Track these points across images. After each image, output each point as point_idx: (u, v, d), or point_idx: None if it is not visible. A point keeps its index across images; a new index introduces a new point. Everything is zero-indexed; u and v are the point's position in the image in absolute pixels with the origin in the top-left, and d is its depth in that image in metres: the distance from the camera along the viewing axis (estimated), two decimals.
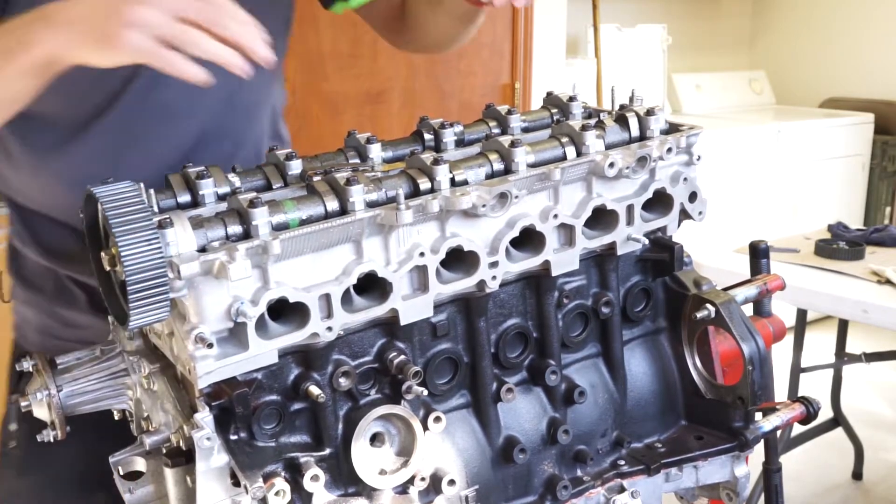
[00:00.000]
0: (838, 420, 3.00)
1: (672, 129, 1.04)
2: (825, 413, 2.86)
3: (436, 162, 0.89)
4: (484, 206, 0.88)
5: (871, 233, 2.69)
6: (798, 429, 2.77)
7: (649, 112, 1.02)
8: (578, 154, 0.97)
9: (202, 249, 0.78)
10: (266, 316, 0.82)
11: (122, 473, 0.94)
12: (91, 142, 1.10)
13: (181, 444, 0.86)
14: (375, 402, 0.89)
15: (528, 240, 0.95)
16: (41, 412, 0.93)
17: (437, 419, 0.90)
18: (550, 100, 1.14)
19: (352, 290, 0.86)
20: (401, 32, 1.40)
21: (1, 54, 0.84)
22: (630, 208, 1.01)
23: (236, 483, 0.82)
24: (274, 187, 0.94)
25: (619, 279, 1.04)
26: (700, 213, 1.07)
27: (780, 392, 1.83)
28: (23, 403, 0.92)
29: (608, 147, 1.00)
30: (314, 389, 0.84)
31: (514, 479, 0.98)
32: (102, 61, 0.83)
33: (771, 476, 1.63)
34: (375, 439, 0.89)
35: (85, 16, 0.82)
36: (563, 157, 0.97)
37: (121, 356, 0.97)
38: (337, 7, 1.32)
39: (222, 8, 0.83)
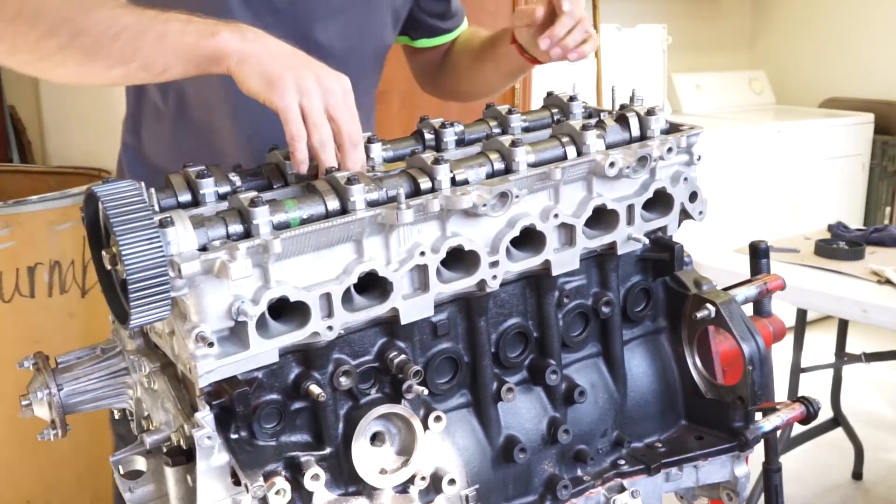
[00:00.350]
0: (838, 420, 2.99)
1: (672, 128, 1.04)
2: (825, 413, 2.86)
3: (436, 161, 0.89)
4: (484, 205, 0.88)
5: (871, 233, 2.69)
6: (798, 429, 2.77)
7: (650, 112, 1.02)
8: (579, 154, 0.97)
9: (203, 248, 0.78)
10: (267, 315, 0.82)
11: (122, 472, 0.95)
12: (216, 124, 1.25)
13: (182, 443, 0.86)
14: (376, 401, 0.89)
15: (529, 239, 0.95)
16: (41, 411, 0.93)
17: (438, 418, 0.90)
18: (551, 100, 1.14)
19: (352, 290, 0.86)
20: (439, 80, 1.51)
21: (180, 31, 0.95)
22: (630, 208, 1.01)
23: (237, 482, 0.82)
24: (274, 187, 0.94)
25: (619, 279, 1.04)
26: (700, 212, 1.07)
27: (780, 392, 1.83)
28: (23, 402, 0.93)
29: (609, 147, 1.00)
30: (315, 388, 0.84)
31: (514, 478, 0.98)
32: (250, 87, 0.93)
33: (771, 476, 1.63)
34: (376, 438, 0.89)
35: (271, 49, 0.95)
36: (564, 157, 0.97)
37: (121, 355, 0.97)
38: (402, 38, 1.47)
39: (357, 134, 0.95)
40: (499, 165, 0.93)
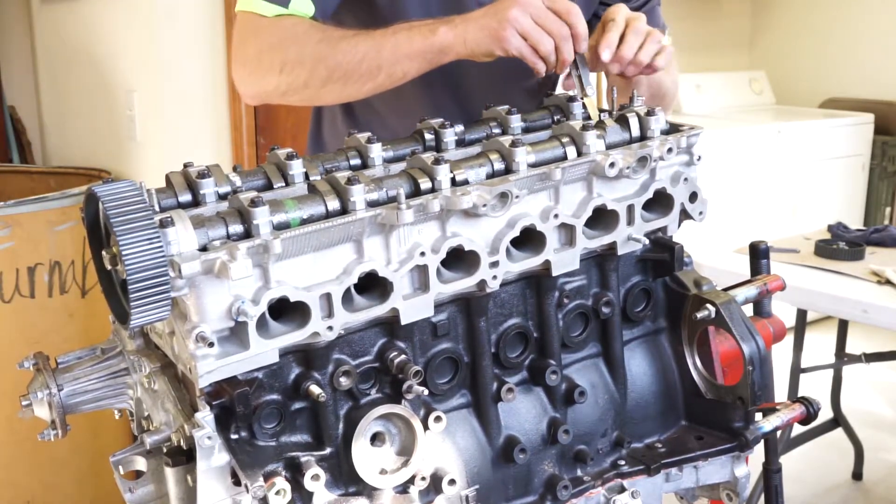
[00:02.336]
0: (838, 420, 2.99)
1: (672, 129, 1.04)
2: (825, 413, 2.86)
3: (436, 162, 0.89)
4: (484, 205, 0.88)
5: (871, 233, 2.69)
6: (798, 429, 2.76)
7: (650, 112, 1.02)
8: (579, 154, 0.97)
9: (203, 248, 0.78)
10: (267, 315, 0.82)
11: (122, 473, 0.95)
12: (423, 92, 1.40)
13: (182, 443, 0.86)
14: (376, 401, 0.89)
15: (529, 239, 0.95)
16: (42, 411, 0.93)
17: (438, 419, 0.90)
18: (551, 100, 1.14)
19: (352, 290, 0.86)
20: None
21: (408, 39, 1.13)
22: (630, 208, 1.01)
23: (237, 482, 0.82)
24: (275, 187, 0.94)
25: (619, 279, 1.05)
26: (700, 213, 1.07)
27: (780, 392, 1.83)
28: (23, 403, 0.93)
29: (609, 147, 1.00)
30: (315, 389, 0.84)
31: (514, 478, 0.98)
32: (485, 52, 1.11)
33: (771, 476, 1.63)
34: (376, 439, 0.89)
35: (480, 20, 1.12)
36: (564, 157, 0.97)
37: (121, 355, 0.97)
38: None
39: (563, 30, 1.11)
40: (499, 166, 0.93)
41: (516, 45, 1.09)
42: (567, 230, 0.97)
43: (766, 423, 1.06)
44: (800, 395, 1.13)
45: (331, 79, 1.17)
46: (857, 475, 3.05)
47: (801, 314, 2.78)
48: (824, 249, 2.57)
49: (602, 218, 1.00)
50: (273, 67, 1.20)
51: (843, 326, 2.89)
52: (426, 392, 0.90)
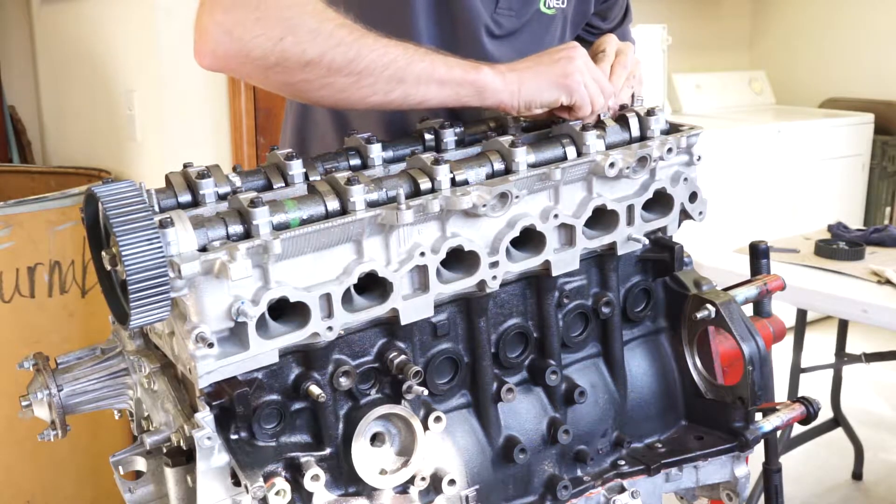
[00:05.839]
0: (838, 420, 2.99)
1: (672, 129, 1.04)
2: (825, 413, 2.85)
3: (436, 162, 0.89)
4: (484, 205, 0.88)
5: (871, 233, 2.69)
6: (798, 429, 2.76)
7: (649, 112, 1.02)
8: (579, 154, 0.97)
9: (203, 249, 0.78)
10: (266, 315, 0.82)
11: (122, 473, 0.95)
12: None
13: (182, 443, 0.86)
14: (376, 401, 0.89)
15: (529, 240, 0.95)
16: (41, 412, 0.93)
17: (438, 419, 0.90)
18: None
19: (352, 290, 0.86)
20: None
21: (445, 64, 1.03)
22: (630, 208, 1.01)
23: (237, 483, 0.82)
24: (275, 187, 0.94)
25: (619, 279, 1.04)
26: (700, 213, 1.07)
27: (780, 392, 1.83)
28: (23, 403, 0.93)
29: (608, 147, 1.00)
30: (315, 389, 0.84)
31: (514, 478, 0.98)
32: (547, 102, 1.05)
33: (771, 476, 1.63)
34: (376, 439, 0.89)
35: (537, 70, 1.06)
36: (564, 157, 0.97)
37: (121, 356, 0.97)
38: None
39: (611, 96, 1.09)
40: (499, 166, 0.93)
41: (581, 94, 1.05)
42: (567, 230, 0.97)
43: (766, 423, 1.06)
44: (800, 395, 1.13)
45: (342, 72, 0.99)
46: (857, 475, 3.05)
47: (801, 314, 2.78)
48: (824, 249, 2.57)
49: (602, 218, 1.00)
50: (272, 29, 0.97)
51: (843, 326, 2.89)
52: (426, 392, 0.90)
